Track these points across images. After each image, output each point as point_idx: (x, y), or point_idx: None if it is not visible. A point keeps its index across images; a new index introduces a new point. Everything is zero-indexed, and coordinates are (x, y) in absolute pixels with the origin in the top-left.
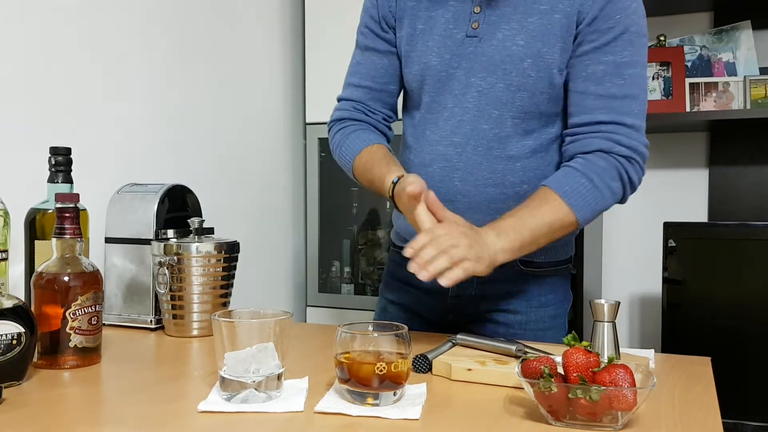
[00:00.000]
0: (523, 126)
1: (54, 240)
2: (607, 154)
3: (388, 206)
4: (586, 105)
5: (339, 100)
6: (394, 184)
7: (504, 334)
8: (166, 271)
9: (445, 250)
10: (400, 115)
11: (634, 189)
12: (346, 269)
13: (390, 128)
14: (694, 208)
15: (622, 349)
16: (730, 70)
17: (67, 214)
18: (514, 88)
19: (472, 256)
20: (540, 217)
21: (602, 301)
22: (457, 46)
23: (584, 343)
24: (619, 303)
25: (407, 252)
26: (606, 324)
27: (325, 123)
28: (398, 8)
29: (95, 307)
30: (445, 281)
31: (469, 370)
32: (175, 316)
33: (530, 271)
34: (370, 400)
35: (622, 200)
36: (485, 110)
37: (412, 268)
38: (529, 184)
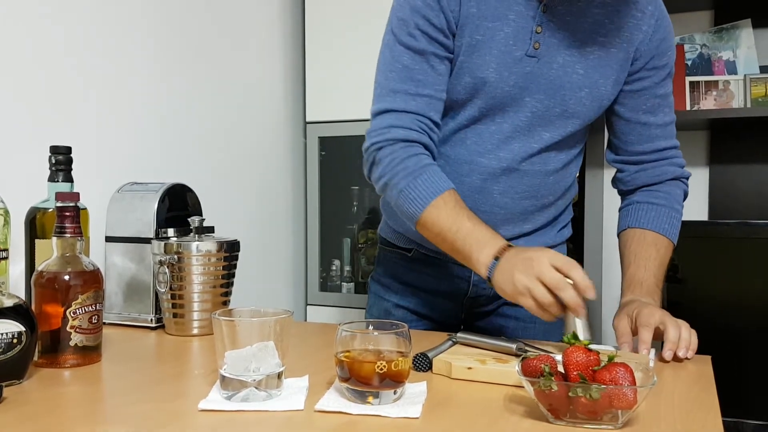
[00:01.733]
0: (565, 146)
1: (54, 239)
2: (678, 181)
3: None
4: (649, 134)
5: (386, 111)
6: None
7: (515, 329)
8: (167, 270)
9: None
10: None
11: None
12: (347, 268)
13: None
14: (695, 207)
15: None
16: (731, 68)
17: (67, 213)
18: (569, 114)
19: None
20: (664, 265)
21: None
22: (516, 64)
23: (585, 341)
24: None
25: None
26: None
27: (324, 122)
28: (461, 14)
29: (96, 306)
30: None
31: (470, 368)
32: (175, 315)
33: None
34: (370, 399)
35: None
36: (536, 131)
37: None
38: (554, 195)
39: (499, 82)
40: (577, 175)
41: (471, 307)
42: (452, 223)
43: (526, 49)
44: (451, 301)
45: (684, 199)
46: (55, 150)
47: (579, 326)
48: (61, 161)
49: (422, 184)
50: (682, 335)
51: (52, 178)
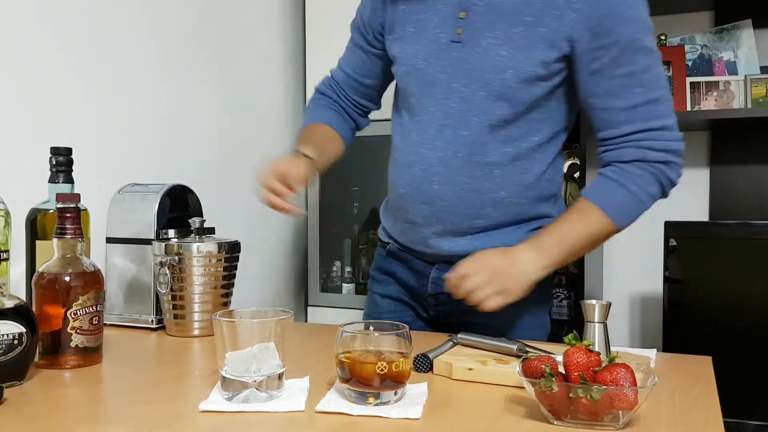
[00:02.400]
0: (503, 134)
1: (55, 240)
2: (643, 163)
3: None
4: (611, 120)
5: (330, 73)
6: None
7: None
8: (167, 271)
9: (469, 291)
10: (387, 114)
11: (674, 185)
12: (347, 269)
13: (363, 115)
14: (695, 208)
15: (622, 349)
16: (731, 69)
17: (68, 214)
18: (494, 98)
19: (494, 292)
20: (580, 230)
21: (593, 301)
22: (442, 50)
23: (585, 342)
24: (611, 304)
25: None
26: (597, 324)
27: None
28: (388, 15)
29: (96, 307)
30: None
31: (470, 369)
32: (176, 316)
33: None
34: (371, 400)
35: (664, 197)
36: (466, 117)
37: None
38: (507, 191)
39: (427, 68)
40: (560, 180)
41: (436, 305)
42: (303, 135)
43: (451, 35)
44: (418, 296)
45: (659, 185)
46: (55, 151)
47: (597, 335)
48: (62, 162)
49: (311, 112)
50: (459, 287)
51: (52, 179)
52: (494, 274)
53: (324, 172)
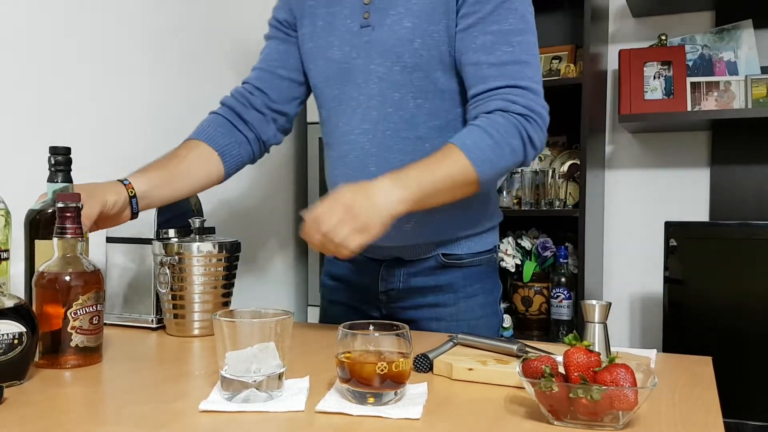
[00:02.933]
0: (427, 106)
1: (55, 239)
2: (505, 113)
3: None
4: (481, 75)
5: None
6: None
7: (438, 329)
8: (168, 271)
9: (325, 233)
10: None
11: (536, 149)
12: None
13: (276, 123)
14: (696, 208)
15: (622, 350)
16: (732, 69)
17: (68, 214)
18: (410, 69)
19: (353, 229)
20: (442, 169)
21: (593, 302)
22: (354, 37)
23: (585, 342)
24: (611, 304)
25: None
26: (597, 325)
27: None
28: (296, 8)
29: (96, 307)
30: (342, 258)
31: (470, 369)
32: (176, 316)
33: (453, 263)
34: (371, 400)
35: (524, 162)
36: (387, 94)
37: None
38: None
39: (343, 56)
40: None
41: (389, 302)
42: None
43: (360, 21)
44: (368, 294)
45: (520, 139)
46: (54, 150)
47: (597, 335)
48: (61, 162)
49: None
50: (312, 233)
51: (51, 179)
52: (349, 211)
53: (172, 201)
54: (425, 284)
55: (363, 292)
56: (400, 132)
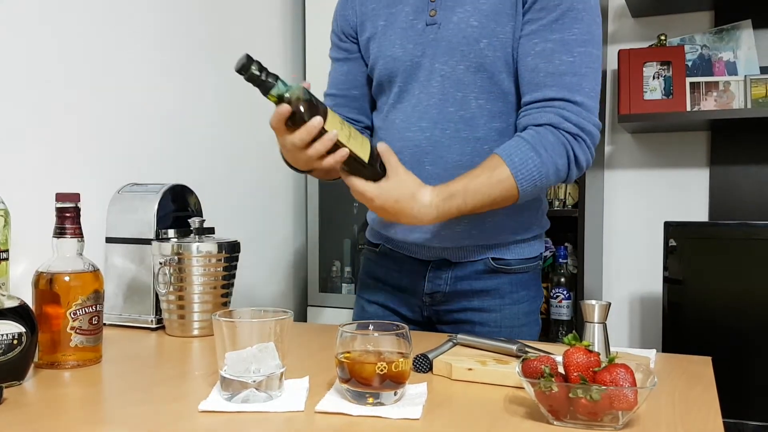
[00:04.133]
0: (489, 107)
1: (54, 240)
2: (555, 129)
3: None
4: (537, 82)
5: None
6: None
7: (479, 333)
8: (167, 271)
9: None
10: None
11: (580, 169)
12: (347, 269)
13: (361, 131)
14: (695, 208)
15: (622, 350)
16: (731, 69)
17: (67, 214)
18: (474, 69)
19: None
20: (484, 190)
21: (593, 302)
22: (419, 35)
23: (585, 342)
24: (610, 304)
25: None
26: (596, 325)
27: None
28: (358, 15)
29: (96, 307)
30: None
31: (470, 369)
32: (176, 316)
33: (502, 269)
34: (370, 400)
35: (567, 180)
36: (449, 93)
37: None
38: None
39: (406, 54)
40: None
41: (432, 305)
42: None
43: (425, 18)
44: (411, 296)
45: (566, 158)
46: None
47: (596, 335)
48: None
49: None
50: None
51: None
52: (393, 212)
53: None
54: (472, 288)
55: (404, 293)
56: (460, 132)
